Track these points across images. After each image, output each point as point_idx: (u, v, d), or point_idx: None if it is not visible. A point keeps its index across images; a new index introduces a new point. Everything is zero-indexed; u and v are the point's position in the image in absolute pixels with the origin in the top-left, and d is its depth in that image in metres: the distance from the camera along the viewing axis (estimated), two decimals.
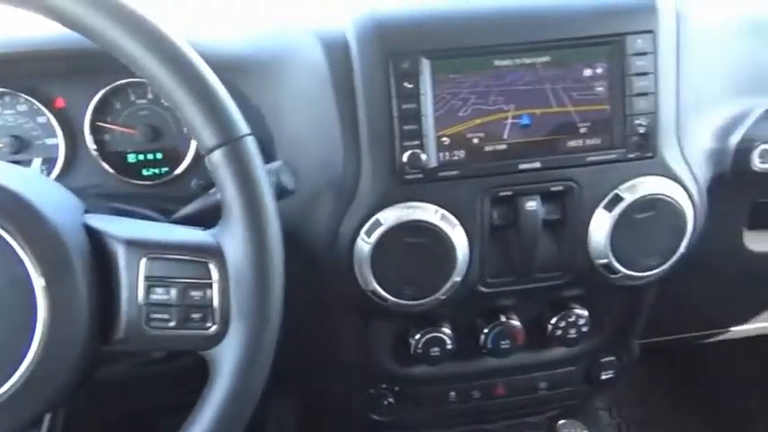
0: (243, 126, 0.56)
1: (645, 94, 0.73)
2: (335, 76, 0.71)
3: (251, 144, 0.56)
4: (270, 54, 0.77)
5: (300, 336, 0.96)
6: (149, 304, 0.54)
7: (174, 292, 0.54)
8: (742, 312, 1.08)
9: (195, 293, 0.55)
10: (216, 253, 0.55)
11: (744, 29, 0.83)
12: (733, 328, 1.18)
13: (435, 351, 0.85)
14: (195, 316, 0.55)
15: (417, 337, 0.85)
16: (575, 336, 0.89)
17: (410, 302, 0.77)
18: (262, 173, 0.56)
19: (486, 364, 0.93)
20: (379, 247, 0.71)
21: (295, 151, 0.77)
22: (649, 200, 0.74)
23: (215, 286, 0.55)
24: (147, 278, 0.54)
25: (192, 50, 0.55)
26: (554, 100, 0.73)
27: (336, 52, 0.71)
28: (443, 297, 0.77)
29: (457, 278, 0.76)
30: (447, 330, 0.85)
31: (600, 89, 0.73)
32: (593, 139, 0.74)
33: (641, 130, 0.74)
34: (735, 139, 0.80)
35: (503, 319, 0.86)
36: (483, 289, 0.81)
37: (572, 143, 0.74)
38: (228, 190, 0.55)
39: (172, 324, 0.55)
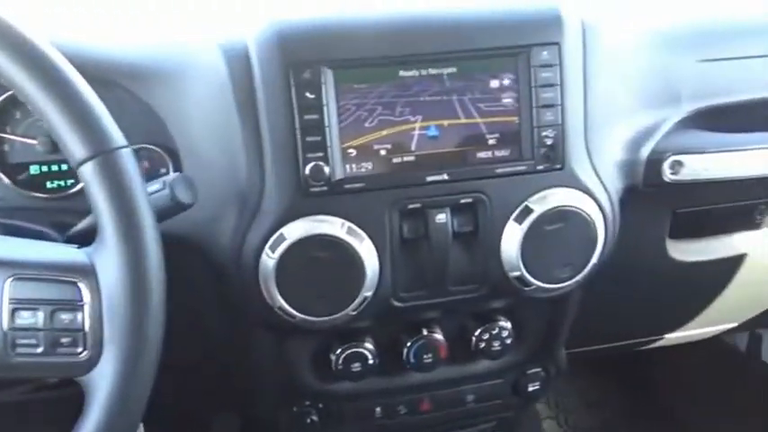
0: (117, 137, 0.53)
1: (551, 106, 0.73)
2: (237, 86, 0.69)
3: (126, 157, 0.53)
4: (172, 63, 0.74)
5: (220, 352, 0.94)
6: (15, 329, 0.51)
7: (41, 315, 0.51)
8: (672, 320, 1.09)
9: (65, 316, 0.51)
10: (87, 273, 0.52)
11: (655, 41, 0.83)
12: (667, 336, 1.18)
13: (357, 367, 0.84)
14: (65, 341, 0.51)
15: (338, 352, 0.83)
16: (499, 348, 0.88)
17: (319, 319, 0.75)
18: (138, 187, 0.53)
19: (410, 379, 0.92)
20: (283, 262, 0.69)
21: (199, 162, 0.74)
22: (558, 211, 0.74)
23: (86, 308, 0.51)
24: (11, 300, 0.51)
25: (60, 56, 0.52)
26: (462, 111, 0.72)
27: (237, 62, 0.69)
28: (354, 313, 0.75)
29: (367, 293, 0.74)
30: (369, 345, 0.84)
31: (508, 101, 0.73)
32: (502, 150, 0.73)
33: (549, 142, 0.73)
34: (645, 151, 0.80)
35: (425, 332, 0.85)
36: (397, 303, 0.79)
37: (481, 155, 0.73)
38: (101, 206, 0.52)
39: (40, 350, 0.51)
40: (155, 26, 0.81)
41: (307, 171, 0.70)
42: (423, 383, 0.92)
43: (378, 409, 0.94)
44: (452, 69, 0.71)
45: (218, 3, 0.82)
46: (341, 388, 0.91)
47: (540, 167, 0.74)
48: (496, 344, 0.87)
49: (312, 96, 0.68)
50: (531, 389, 1.01)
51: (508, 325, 0.87)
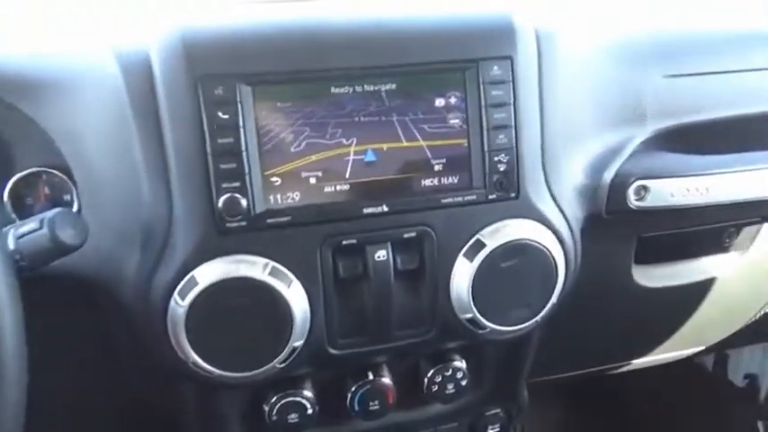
0: None
1: (503, 127, 0.65)
2: (136, 101, 0.61)
3: None
4: (59, 73, 0.64)
5: (141, 400, 0.83)
6: None
7: None
8: (639, 346, 1.05)
9: None
10: None
11: (617, 53, 0.77)
12: (634, 361, 1.13)
13: (294, 418, 0.75)
14: None
15: (272, 401, 0.74)
16: (453, 391, 0.81)
17: (241, 375, 0.65)
18: None
19: (357, 427, 0.84)
20: (195, 310, 0.61)
21: (96, 188, 0.64)
22: (514, 245, 0.67)
23: None
24: None
25: None
26: (403, 133, 0.65)
27: (136, 73, 0.61)
28: (282, 365, 0.66)
29: (297, 343, 0.65)
30: (307, 393, 0.75)
31: (455, 121, 0.65)
32: (450, 177, 0.66)
33: (502, 168, 0.66)
34: (608, 175, 0.74)
35: (371, 377, 0.77)
36: (333, 351, 0.70)
37: (425, 183, 0.66)
38: None
39: None
40: (40, 32, 0.70)
41: (221, 204, 0.60)
42: (370, 431, 0.84)
43: None
44: (392, 86, 0.64)
45: (115, 5, 0.71)
46: None
47: (493, 196, 0.67)
48: (451, 386, 0.80)
49: (226, 116, 0.59)
50: (490, 431, 0.93)
51: (463, 365, 0.80)
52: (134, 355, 0.73)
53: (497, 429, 0.94)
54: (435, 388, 0.79)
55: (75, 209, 0.65)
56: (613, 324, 0.96)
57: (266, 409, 0.75)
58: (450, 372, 0.79)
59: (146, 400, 0.83)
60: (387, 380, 0.78)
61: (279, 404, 0.74)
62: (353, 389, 0.76)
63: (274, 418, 0.75)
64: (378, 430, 0.86)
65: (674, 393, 1.57)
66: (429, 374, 0.79)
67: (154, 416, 0.86)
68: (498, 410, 0.93)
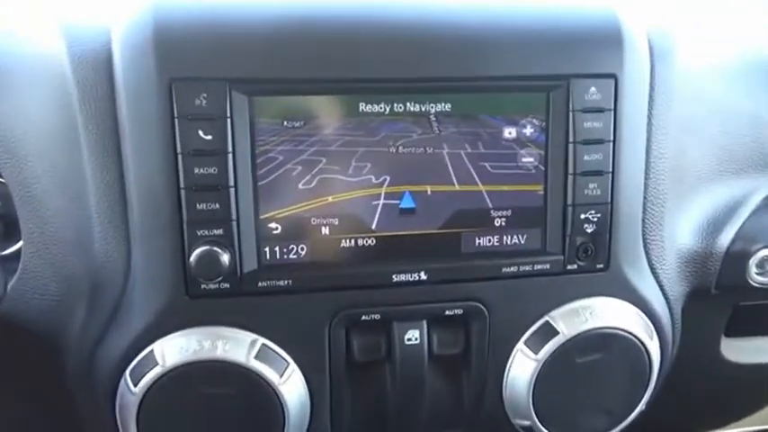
0: None
1: (597, 174, 0.48)
2: (89, 109, 0.47)
3: None
4: None
5: None
6: None
7: None
8: (713, 420, 0.93)
9: None
10: None
11: (746, 76, 0.60)
12: None
13: None
14: None
15: None
16: None
17: None
18: None
19: None
20: (152, 400, 0.47)
21: (39, 215, 0.48)
22: (597, 335, 0.52)
23: None
24: None
25: None
26: (455, 173, 0.49)
27: (91, 70, 0.46)
28: None
29: None
30: None
31: (528, 160, 0.49)
32: (515, 237, 0.51)
33: (589, 229, 0.51)
34: (725, 241, 0.58)
35: None
36: None
37: (480, 242, 0.51)
38: None
39: None
40: None
41: (193, 259, 0.43)
42: None
43: None
44: (444, 107, 0.48)
45: None
46: None
47: (573, 267, 0.52)
48: None
49: (208, 137, 0.42)
50: None
51: None
52: None
53: None
54: None
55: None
56: (689, 398, 0.83)
57: None
58: None
59: None
60: None
61: None
62: None
63: None
64: None
65: None
66: None
67: None
68: None
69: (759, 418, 1.01)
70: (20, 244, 0.50)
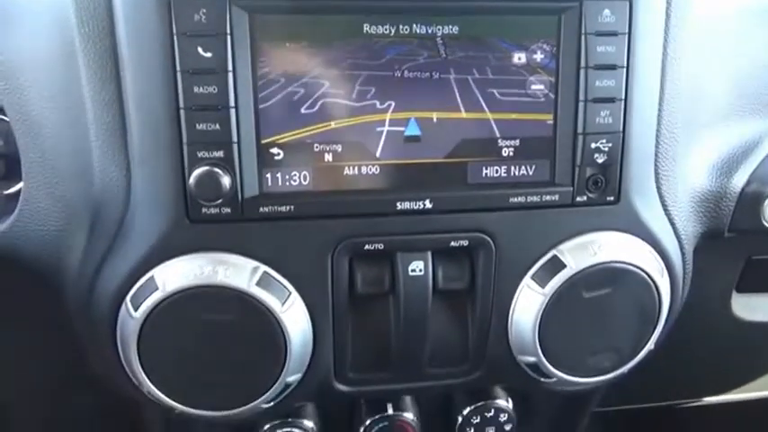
0: None
1: (609, 100, 0.47)
2: (86, 28, 0.45)
3: None
4: None
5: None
6: None
7: None
8: (723, 383, 0.92)
9: None
10: None
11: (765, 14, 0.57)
12: (706, 399, 1.01)
13: None
14: None
15: (266, 428, 0.60)
16: None
17: (213, 414, 0.48)
18: None
19: None
20: (152, 325, 0.46)
21: (39, 144, 0.48)
22: (606, 269, 0.50)
23: None
24: None
25: None
26: (462, 99, 0.47)
27: None
28: (270, 404, 0.49)
29: (292, 377, 0.50)
30: (309, 423, 0.61)
31: (538, 87, 0.48)
32: (523, 167, 0.50)
33: (600, 159, 0.49)
34: (739, 181, 0.57)
35: (390, 411, 0.62)
36: (342, 387, 0.53)
37: (487, 172, 0.49)
38: None
39: None
40: None
41: (193, 180, 0.42)
42: None
43: None
44: (452, 29, 0.46)
45: None
46: None
47: (582, 199, 0.50)
48: (491, 431, 0.65)
49: (208, 54, 0.41)
50: None
51: (509, 406, 0.65)
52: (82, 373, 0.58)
53: None
54: (471, 431, 0.64)
55: None
56: (697, 358, 0.82)
57: None
58: (491, 413, 0.64)
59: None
60: (410, 415, 0.63)
61: None
62: (367, 423, 0.62)
63: None
64: None
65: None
66: (465, 413, 0.64)
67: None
68: None
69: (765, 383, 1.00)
70: (21, 184, 0.50)
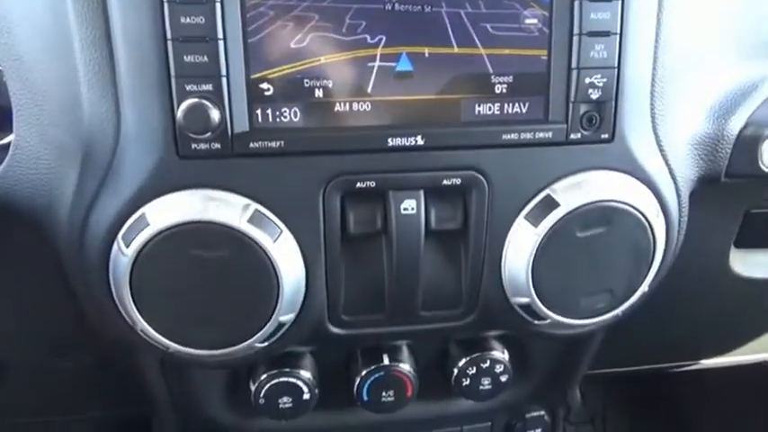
0: None
1: (604, 35, 0.47)
2: None
3: None
4: None
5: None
6: None
7: None
8: (719, 345, 0.91)
9: None
10: None
11: None
12: (703, 361, 0.99)
13: (286, 402, 0.61)
14: None
15: (262, 379, 0.61)
16: (489, 387, 0.65)
17: (206, 352, 0.49)
18: None
19: (364, 418, 0.70)
20: (144, 262, 0.46)
21: (29, 83, 0.48)
22: (599, 208, 0.50)
23: None
24: None
25: None
26: (454, 34, 0.47)
27: None
28: (263, 344, 0.49)
29: (285, 317, 0.49)
30: (305, 374, 0.61)
31: (531, 21, 0.48)
32: (516, 104, 0.49)
33: (594, 95, 0.49)
34: (736, 124, 0.56)
35: (386, 361, 0.62)
36: (336, 330, 0.53)
37: (480, 109, 0.49)
38: None
39: None
40: None
41: (181, 113, 0.42)
42: (381, 424, 0.72)
43: None
44: None
45: None
46: (267, 426, 0.69)
47: (576, 136, 0.50)
48: (487, 381, 0.65)
49: None
50: None
51: (505, 357, 0.65)
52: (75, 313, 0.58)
53: None
54: (467, 382, 0.65)
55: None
56: (694, 317, 0.81)
57: (253, 389, 0.61)
58: (487, 363, 0.64)
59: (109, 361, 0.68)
60: (406, 366, 0.63)
61: (268, 385, 0.61)
62: (363, 374, 0.62)
63: (261, 401, 0.61)
64: (390, 424, 0.72)
65: (738, 398, 1.37)
66: (460, 364, 0.64)
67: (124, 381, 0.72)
68: (542, 413, 0.76)
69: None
70: (12, 136, 0.49)
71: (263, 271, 0.46)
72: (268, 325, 0.48)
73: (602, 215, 0.49)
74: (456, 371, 0.64)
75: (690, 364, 1.01)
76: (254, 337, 0.49)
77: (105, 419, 0.94)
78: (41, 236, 0.50)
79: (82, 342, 0.69)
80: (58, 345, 0.70)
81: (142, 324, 0.47)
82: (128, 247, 0.45)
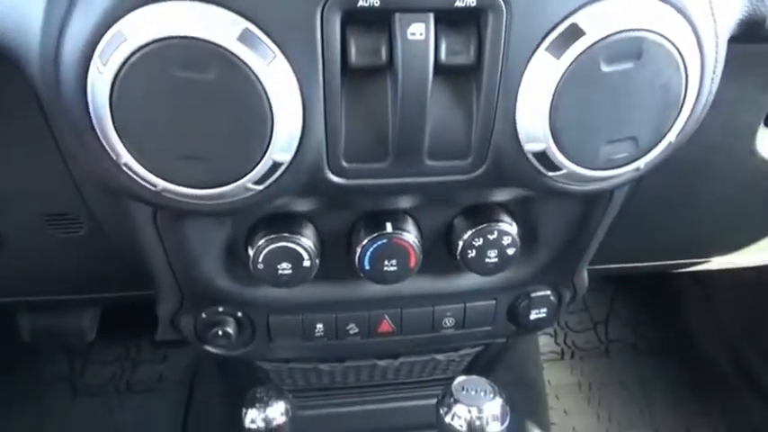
0: None
1: None
2: None
3: None
4: None
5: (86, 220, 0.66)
6: None
7: None
8: (739, 240, 0.87)
9: None
10: None
11: None
12: (714, 259, 0.95)
13: (285, 269, 0.60)
14: None
15: (260, 244, 0.59)
16: (495, 260, 0.63)
17: (197, 192, 0.46)
18: None
19: (366, 290, 0.69)
20: (125, 82, 0.42)
21: None
22: (629, 39, 0.44)
23: None
24: None
25: None
26: None
27: None
28: (259, 187, 0.46)
29: (280, 156, 0.46)
30: (306, 240, 0.59)
31: None
32: None
33: None
34: None
35: (389, 229, 0.60)
36: (336, 179, 0.49)
37: None
38: None
39: None
40: None
41: None
42: (383, 298, 0.70)
43: (319, 326, 0.72)
44: None
45: None
46: (266, 295, 0.68)
47: None
48: (493, 254, 0.63)
49: None
50: (534, 317, 0.76)
51: (513, 229, 0.62)
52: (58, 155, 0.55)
53: (543, 315, 0.76)
54: (472, 254, 0.62)
55: None
56: (711, 205, 0.77)
57: (251, 254, 0.59)
58: (494, 235, 0.61)
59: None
60: (410, 235, 0.61)
61: (267, 249, 0.58)
62: (365, 242, 0.60)
63: (260, 266, 0.59)
64: (392, 298, 0.70)
65: (747, 304, 1.36)
66: (466, 236, 0.62)
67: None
68: (548, 292, 0.74)
69: None
70: None
71: (254, 98, 0.42)
72: (262, 162, 0.44)
73: (632, 46, 0.44)
74: (461, 243, 0.62)
75: (700, 262, 0.98)
76: (248, 176, 0.45)
77: (111, 300, 0.94)
78: (16, 67, 0.46)
79: (75, 208, 0.66)
80: (49, 213, 0.67)
81: (126, 156, 0.43)
82: (105, 65, 0.40)
